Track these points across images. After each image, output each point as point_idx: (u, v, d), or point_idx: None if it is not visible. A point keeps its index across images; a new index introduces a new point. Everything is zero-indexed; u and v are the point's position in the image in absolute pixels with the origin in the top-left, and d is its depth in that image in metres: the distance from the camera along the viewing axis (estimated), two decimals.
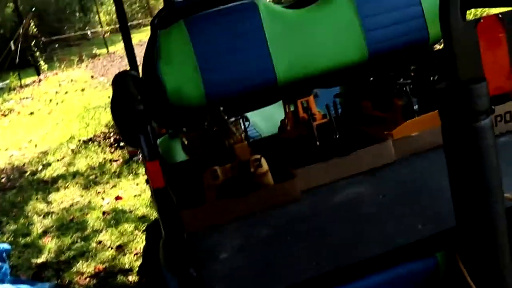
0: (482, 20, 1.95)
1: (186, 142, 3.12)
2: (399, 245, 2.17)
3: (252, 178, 2.57)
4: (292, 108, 3.28)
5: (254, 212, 2.69)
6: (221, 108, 2.82)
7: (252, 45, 3.25)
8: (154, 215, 6.19)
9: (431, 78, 3.27)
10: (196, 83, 3.17)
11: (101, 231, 6.54)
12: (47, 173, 9.12)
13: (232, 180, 2.70)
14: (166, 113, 3.48)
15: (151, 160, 2.26)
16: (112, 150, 9.17)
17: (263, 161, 2.71)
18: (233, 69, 3.21)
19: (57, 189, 8.35)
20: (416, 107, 3.11)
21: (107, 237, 6.30)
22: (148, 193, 6.83)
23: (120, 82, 2.86)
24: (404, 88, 3.12)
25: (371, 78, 3.42)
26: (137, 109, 2.26)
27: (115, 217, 6.77)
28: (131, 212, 6.87)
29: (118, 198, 7.39)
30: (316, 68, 3.32)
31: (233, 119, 2.75)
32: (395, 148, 2.94)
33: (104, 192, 7.83)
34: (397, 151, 2.95)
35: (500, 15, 1.99)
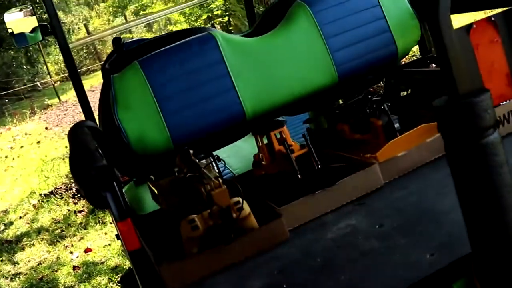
0: (474, 26, 1.73)
1: (156, 191, 2.83)
2: (411, 283, 1.91)
3: (234, 224, 2.29)
4: (265, 141, 3.02)
5: (241, 261, 2.41)
6: (191, 151, 2.55)
7: (215, 79, 3.00)
8: (127, 264, 5.86)
9: (402, 94, 3.09)
10: (159, 128, 2.90)
11: None
12: (10, 232, 8.66)
13: (212, 229, 2.43)
14: (130, 163, 3.19)
15: (122, 219, 1.97)
16: (75, 201, 8.79)
17: (245, 203, 2.44)
18: (197, 107, 2.95)
19: (23, 248, 7.90)
20: (397, 125, 2.89)
21: None
22: (118, 242, 6.47)
23: (76, 135, 2.56)
24: (382, 107, 2.90)
25: (344, 101, 3.19)
26: (99, 166, 1.97)
27: (87, 271, 6.41)
28: (102, 263, 6.51)
29: (87, 250, 7.02)
30: (285, 97, 3.08)
31: (204, 161, 2.48)
32: (382, 171, 2.70)
33: (72, 245, 7.44)
34: (385, 174, 2.71)
35: (492, 18, 1.78)
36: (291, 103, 3.12)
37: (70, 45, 4.46)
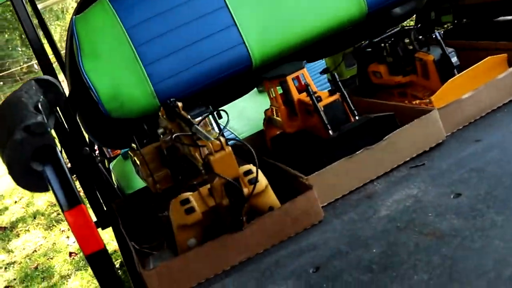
0: None
1: (138, 162, 2.05)
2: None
3: (245, 202, 1.51)
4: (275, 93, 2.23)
5: (258, 256, 1.65)
6: (179, 104, 1.76)
7: (209, 14, 2.22)
8: None
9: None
10: (138, 80, 2.13)
11: (69, 277, 5.44)
12: (5, 218, 7.94)
13: (215, 212, 1.65)
14: (104, 128, 2.41)
15: (71, 206, 1.20)
16: (74, 179, 8.00)
17: (260, 174, 1.67)
18: (187, 51, 2.17)
19: (17, 235, 7.18)
20: (455, 59, 2.10)
21: (78, 282, 5.20)
22: None
23: (13, 93, 1.77)
24: (434, 35, 2.10)
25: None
26: (30, 124, 1.19)
27: (84, 257, 5.64)
28: None
29: None
30: (300, 35, 2.29)
31: (199, 117, 1.69)
32: (443, 121, 1.91)
33: (68, 229, 6.69)
34: (446, 124, 1.92)
35: None
36: (308, 44, 2.33)
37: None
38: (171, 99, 1.77)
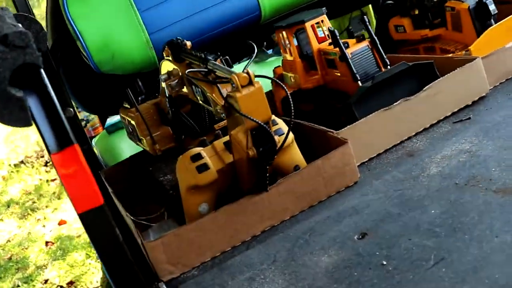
0: None
1: (132, 122, 1.74)
2: None
3: (276, 152, 1.20)
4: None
5: (286, 223, 1.36)
6: (188, 43, 1.45)
7: None
8: None
9: None
10: (132, 27, 1.82)
11: (46, 267, 5.09)
12: None
13: (231, 171, 1.35)
14: (92, 89, 2.09)
15: (61, 147, 0.89)
16: (48, 169, 7.66)
17: (281, 123, 1.38)
18: None
19: None
20: (492, 7, 1.82)
21: (55, 273, 4.85)
22: None
23: None
24: None
25: None
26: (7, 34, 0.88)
27: (61, 247, 5.33)
28: (79, 236, 5.42)
29: (61, 222, 5.93)
30: None
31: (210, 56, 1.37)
32: (486, 73, 1.63)
33: (44, 218, 6.34)
34: (489, 77, 1.64)
35: None
36: None
37: None
38: (177, 37, 1.46)
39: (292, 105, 1.17)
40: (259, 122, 1.11)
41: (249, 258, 1.27)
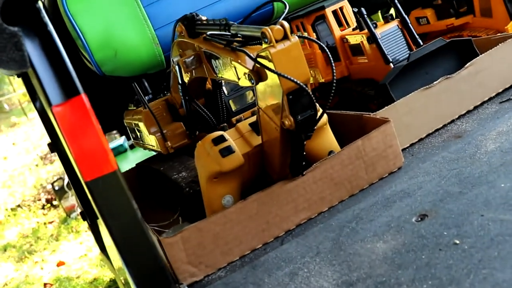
0: None
1: (139, 122, 1.55)
2: None
3: (316, 122, 1.01)
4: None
5: (324, 215, 1.16)
6: (203, 17, 1.27)
7: None
8: (109, 275, 4.59)
9: None
10: (136, 22, 1.65)
11: None
12: None
13: (259, 153, 1.16)
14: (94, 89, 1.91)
15: (66, 97, 0.69)
16: (45, 212, 7.43)
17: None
18: None
19: None
20: None
21: None
22: (96, 250, 5.18)
23: None
24: None
25: None
26: None
27: None
28: (78, 277, 5.15)
29: (60, 264, 5.67)
30: None
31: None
32: None
33: (42, 260, 6.08)
34: None
35: None
36: None
37: None
38: (192, 13, 1.28)
39: (333, 67, 0.99)
40: (299, 82, 0.93)
41: (286, 252, 1.06)
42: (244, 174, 1.17)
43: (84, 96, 0.72)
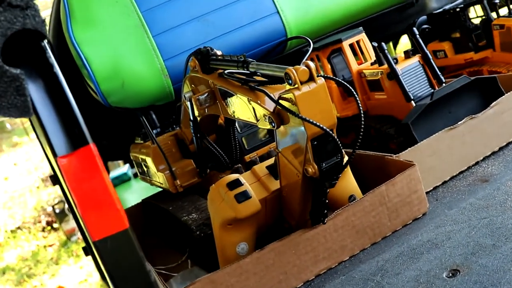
0: None
1: (146, 158, 1.48)
2: None
3: (341, 170, 0.94)
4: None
5: (346, 264, 1.08)
6: (219, 52, 1.21)
7: None
8: None
9: None
10: (145, 53, 1.59)
11: None
12: None
13: (276, 199, 1.09)
14: (95, 128, 1.84)
15: (73, 147, 0.62)
16: (45, 234, 7.35)
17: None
18: (212, 17, 1.67)
19: None
20: None
21: None
22: (96, 276, 5.10)
23: None
24: None
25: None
26: None
27: None
28: None
29: None
30: (344, 7, 1.79)
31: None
32: None
33: (41, 284, 6.00)
34: None
35: None
36: (350, 20, 1.83)
37: None
38: (205, 47, 1.22)
39: (362, 113, 0.92)
40: (325, 128, 0.86)
41: None
42: (260, 220, 1.10)
43: (93, 146, 0.65)
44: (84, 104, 1.68)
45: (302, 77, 0.86)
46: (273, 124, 0.94)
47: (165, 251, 1.53)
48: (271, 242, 1.06)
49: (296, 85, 0.86)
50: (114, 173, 2.97)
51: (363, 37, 1.58)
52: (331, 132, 0.87)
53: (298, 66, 0.87)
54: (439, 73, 1.43)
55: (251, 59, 1.02)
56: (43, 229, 7.75)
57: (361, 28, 1.61)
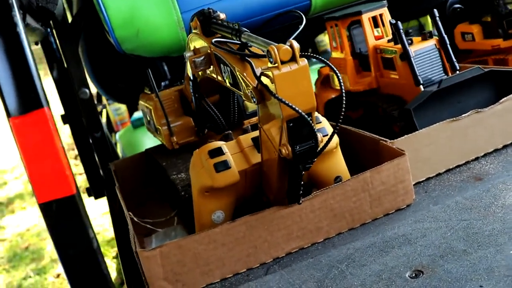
0: None
1: (151, 109, 1.48)
2: None
3: (317, 154, 0.92)
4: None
5: (318, 246, 1.08)
6: (222, 15, 1.18)
7: None
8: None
9: None
10: (164, 4, 1.58)
11: None
12: (2, 193, 7.39)
13: (256, 175, 1.08)
14: (116, 72, 1.86)
15: (26, 110, 0.62)
16: (77, 162, 7.51)
17: (326, 123, 1.11)
18: None
19: (12, 211, 6.63)
20: None
21: None
22: None
23: None
24: None
25: None
26: None
27: None
28: (98, 234, 5.18)
29: None
30: None
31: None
32: None
33: None
34: None
35: None
36: None
37: None
38: (209, 8, 1.20)
39: (344, 93, 0.89)
40: (300, 111, 0.84)
41: (267, 285, 0.99)
42: (240, 191, 1.09)
43: (47, 110, 0.65)
44: (108, 46, 1.69)
45: (283, 57, 0.84)
46: (254, 100, 0.92)
47: (160, 204, 1.55)
48: (250, 213, 1.06)
49: (277, 64, 0.84)
50: (137, 114, 2.99)
51: (384, 11, 1.52)
52: (306, 116, 0.85)
53: (281, 45, 0.84)
54: (454, 59, 1.37)
55: (245, 29, 1.00)
56: (76, 157, 7.91)
57: (385, 1, 1.55)
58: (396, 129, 1.38)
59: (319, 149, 0.91)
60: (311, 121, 0.86)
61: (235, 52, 0.98)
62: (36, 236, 5.70)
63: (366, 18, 1.50)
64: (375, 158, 1.20)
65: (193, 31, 1.22)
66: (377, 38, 1.54)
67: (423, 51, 1.37)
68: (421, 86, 1.34)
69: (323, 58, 0.90)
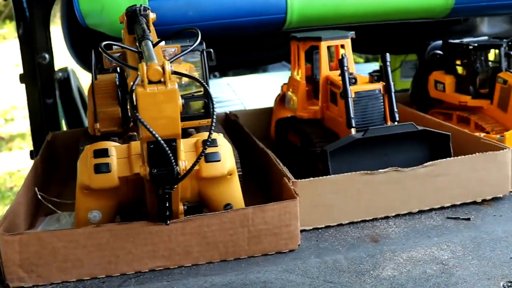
0: None
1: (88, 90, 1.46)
2: None
3: (175, 182, 0.88)
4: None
5: (183, 270, 1.04)
6: (152, 15, 1.14)
7: None
8: None
9: None
10: None
11: None
12: (7, 130, 7.47)
13: (141, 181, 1.05)
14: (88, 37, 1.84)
15: None
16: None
17: (228, 151, 1.07)
18: None
19: (10, 149, 6.69)
20: None
21: None
22: None
23: None
24: None
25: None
26: None
27: None
28: None
29: None
30: (357, 5, 1.65)
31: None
32: None
33: None
34: None
35: None
36: (363, 20, 1.70)
37: None
38: (143, 4, 1.16)
39: (212, 103, 0.85)
40: (157, 135, 0.80)
41: None
42: (121, 197, 1.06)
43: None
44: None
45: (152, 77, 0.80)
46: (135, 111, 0.88)
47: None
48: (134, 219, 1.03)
49: (144, 83, 0.80)
50: None
51: (347, 42, 1.47)
52: (162, 142, 0.81)
53: (153, 64, 0.80)
54: (395, 110, 1.32)
55: (150, 38, 0.95)
56: None
57: (352, 32, 1.50)
58: (320, 167, 1.33)
59: (180, 176, 0.87)
60: (167, 148, 0.82)
61: (116, 60, 0.94)
62: (23, 179, 5.71)
63: (324, 45, 1.45)
64: (278, 191, 1.17)
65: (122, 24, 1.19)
66: (336, 67, 1.49)
67: (365, 94, 1.32)
68: (353, 130, 1.29)
69: (198, 79, 0.86)
